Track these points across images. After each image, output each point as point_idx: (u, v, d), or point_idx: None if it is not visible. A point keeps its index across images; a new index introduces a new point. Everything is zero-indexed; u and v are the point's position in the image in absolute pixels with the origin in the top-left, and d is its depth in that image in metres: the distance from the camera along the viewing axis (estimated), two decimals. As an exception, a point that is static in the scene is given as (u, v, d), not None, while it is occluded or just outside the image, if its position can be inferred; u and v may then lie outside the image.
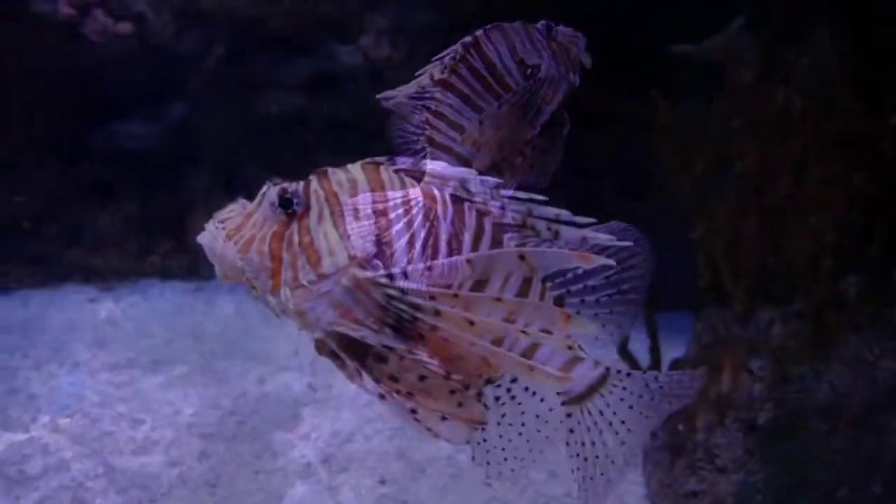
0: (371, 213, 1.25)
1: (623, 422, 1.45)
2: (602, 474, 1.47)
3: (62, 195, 5.07)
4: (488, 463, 1.47)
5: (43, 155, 4.97)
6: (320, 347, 1.30)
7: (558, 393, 1.44)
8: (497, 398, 1.45)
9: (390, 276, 1.21)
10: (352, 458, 3.39)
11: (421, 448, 3.38)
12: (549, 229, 1.23)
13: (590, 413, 1.44)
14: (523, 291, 1.29)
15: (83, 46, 4.82)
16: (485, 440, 1.45)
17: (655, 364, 2.98)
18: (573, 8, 2.12)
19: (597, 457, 1.46)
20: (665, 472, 2.82)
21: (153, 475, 3.25)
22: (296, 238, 1.24)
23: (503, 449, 1.46)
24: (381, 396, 1.24)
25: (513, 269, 1.21)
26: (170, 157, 5.08)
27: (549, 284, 1.37)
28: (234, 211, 1.27)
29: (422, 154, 1.69)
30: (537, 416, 1.46)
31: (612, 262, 1.20)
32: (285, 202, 1.24)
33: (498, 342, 1.22)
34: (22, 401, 3.78)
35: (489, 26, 1.75)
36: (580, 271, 1.37)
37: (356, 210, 1.25)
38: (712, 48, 3.14)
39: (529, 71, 1.75)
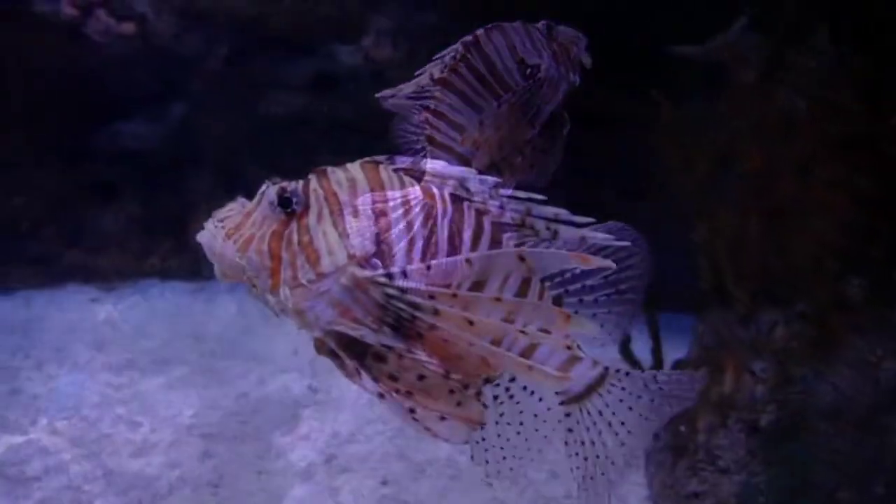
0: (370, 212, 1.25)
1: (623, 423, 1.45)
2: (602, 474, 1.47)
3: (64, 195, 5.08)
4: (487, 462, 1.47)
5: (44, 155, 4.98)
6: (319, 346, 1.30)
7: (557, 392, 1.44)
8: (496, 397, 1.45)
9: (389, 276, 1.21)
10: (353, 458, 3.39)
11: (422, 449, 3.37)
12: (547, 228, 1.23)
13: (588, 413, 1.44)
14: (522, 291, 1.29)
15: (85, 47, 4.83)
16: (483, 439, 1.45)
17: (658, 365, 2.98)
18: (573, 8, 2.12)
19: (597, 456, 1.46)
20: (667, 473, 2.81)
21: (155, 476, 3.25)
22: (295, 237, 1.24)
23: (502, 448, 1.46)
24: (381, 395, 1.24)
25: (512, 269, 1.21)
26: (171, 158, 5.08)
27: (547, 284, 1.37)
28: (234, 210, 1.27)
29: (422, 153, 1.69)
30: (536, 415, 1.46)
31: (611, 263, 1.19)
32: (284, 201, 1.24)
33: (497, 342, 1.22)
34: (24, 401, 3.78)
35: (490, 26, 1.74)
36: (578, 271, 1.37)
37: (355, 209, 1.24)
38: (715, 48, 3.13)
39: (529, 71, 1.75)
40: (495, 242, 1.28)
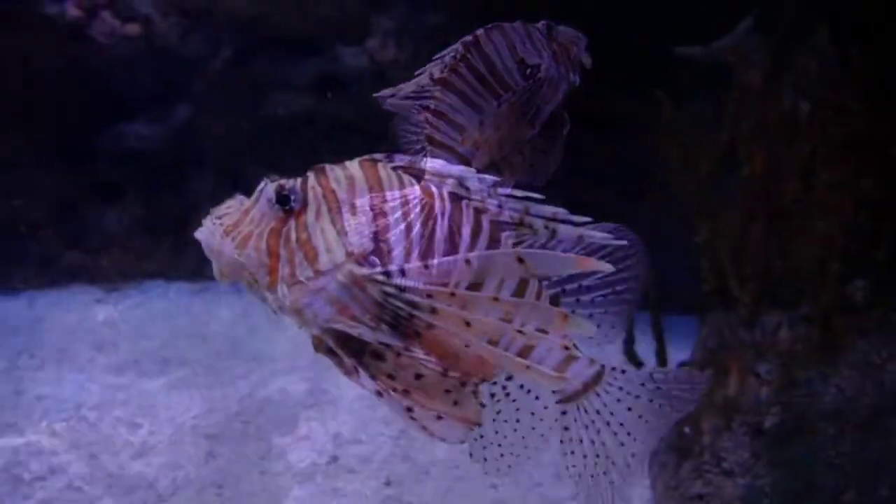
0: (369, 210, 1.24)
1: (622, 423, 1.45)
2: (604, 473, 1.47)
3: (67, 196, 5.09)
4: (485, 459, 1.47)
5: (47, 155, 4.99)
6: (317, 345, 1.30)
7: (553, 391, 1.44)
8: (493, 395, 1.45)
9: (387, 274, 1.21)
10: (356, 459, 3.39)
11: (426, 450, 3.37)
12: (546, 227, 1.23)
13: (586, 411, 1.45)
14: (520, 290, 1.29)
15: (90, 48, 4.84)
16: (481, 437, 1.46)
17: (662, 367, 2.97)
18: (574, 8, 2.12)
19: (597, 455, 1.46)
20: (671, 475, 2.81)
21: (159, 477, 3.25)
22: (293, 235, 1.23)
23: (499, 445, 1.47)
24: (378, 394, 1.24)
25: (511, 271, 1.21)
26: (175, 159, 5.09)
27: (545, 283, 1.37)
28: (232, 207, 1.27)
29: (422, 152, 1.69)
30: (533, 413, 1.47)
31: (609, 266, 1.19)
32: (282, 199, 1.24)
33: (494, 341, 1.22)
34: (28, 402, 3.79)
35: (490, 26, 1.74)
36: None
37: (353, 207, 1.24)
38: (720, 49, 3.13)
39: (529, 71, 1.75)
40: (494, 241, 1.28)
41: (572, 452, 1.47)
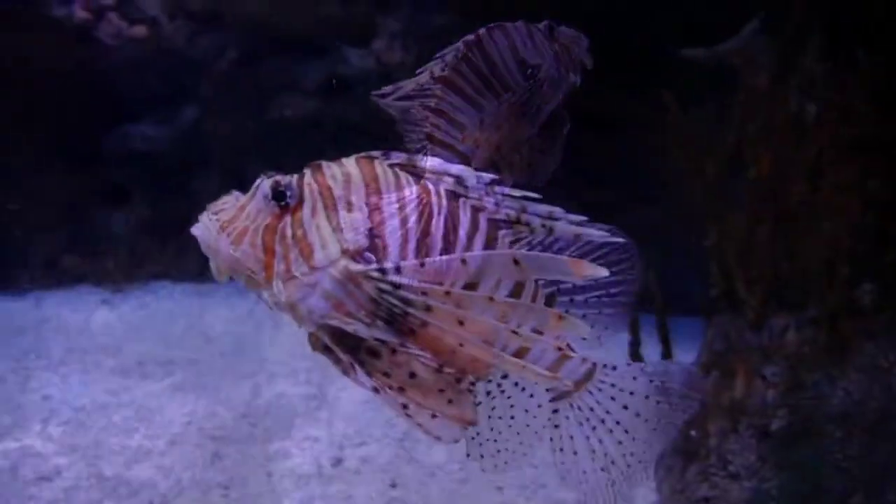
0: (365, 206, 1.25)
1: (618, 421, 1.46)
2: (601, 470, 1.47)
3: (74, 197, 5.10)
4: (482, 456, 1.48)
5: (55, 157, 5.01)
6: (314, 343, 1.30)
7: (547, 389, 1.45)
8: (488, 393, 1.46)
9: (382, 270, 1.21)
10: (362, 461, 3.39)
11: (431, 452, 3.37)
12: (543, 226, 1.23)
13: (579, 408, 1.45)
14: (517, 289, 1.29)
15: (97, 50, 4.85)
16: (478, 434, 1.47)
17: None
18: (575, 8, 2.12)
19: (592, 452, 1.46)
20: (677, 478, 2.80)
21: (165, 478, 3.26)
22: (289, 231, 1.24)
23: (495, 441, 1.47)
24: (375, 390, 1.24)
25: (508, 273, 1.21)
26: (181, 160, 5.11)
27: (541, 282, 1.37)
28: (228, 203, 1.28)
29: (422, 150, 1.68)
30: (527, 410, 1.48)
31: (605, 271, 1.19)
32: (278, 194, 1.24)
33: (490, 341, 1.22)
34: (35, 402, 3.80)
35: (492, 25, 1.75)
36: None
37: (350, 203, 1.25)
38: (726, 52, 3.12)
39: (530, 71, 1.75)
40: (491, 240, 1.29)
41: (561, 450, 1.48)
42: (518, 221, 1.25)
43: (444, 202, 1.27)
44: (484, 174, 1.28)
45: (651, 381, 1.45)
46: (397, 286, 1.20)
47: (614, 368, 1.44)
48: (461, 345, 1.20)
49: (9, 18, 4.72)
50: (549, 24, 1.81)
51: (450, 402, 1.23)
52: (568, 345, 1.39)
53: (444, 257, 1.22)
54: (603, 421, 1.45)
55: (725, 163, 2.98)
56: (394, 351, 1.23)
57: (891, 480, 2.50)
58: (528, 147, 1.78)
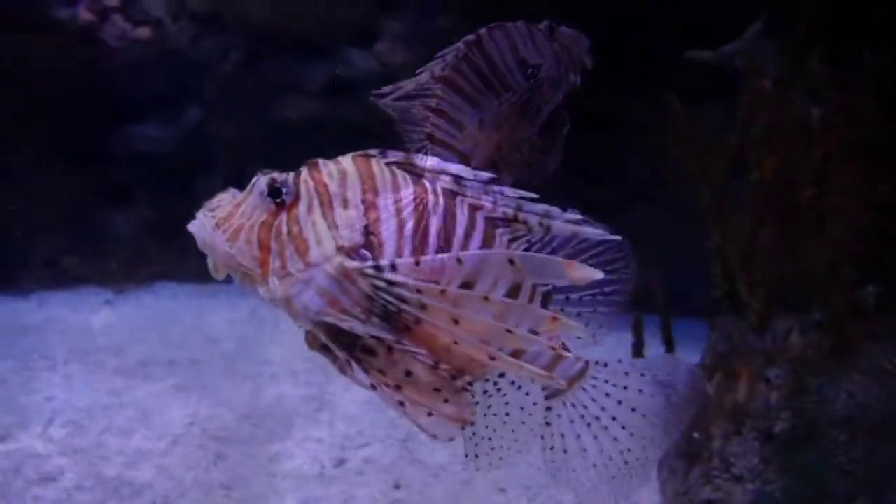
0: (360, 204, 1.25)
1: (614, 417, 1.46)
2: (594, 466, 1.47)
3: (78, 198, 5.11)
4: (477, 456, 1.49)
5: (58, 158, 5.01)
6: (311, 341, 1.31)
7: (542, 388, 1.46)
8: (485, 391, 1.47)
9: (378, 268, 1.22)
10: (366, 462, 3.39)
11: (434, 453, 3.37)
12: (540, 224, 1.23)
13: (573, 406, 1.46)
14: (513, 290, 1.29)
15: (101, 51, 4.86)
16: (474, 433, 1.47)
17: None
18: (575, 9, 2.13)
19: (584, 450, 1.47)
20: (680, 481, 2.80)
21: (168, 478, 3.26)
22: (284, 227, 1.24)
23: (490, 439, 1.48)
24: (372, 387, 1.24)
25: (504, 273, 1.21)
26: (185, 162, 5.11)
27: None
28: (224, 200, 1.29)
29: (422, 150, 1.69)
30: (522, 408, 1.48)
31: (600, 273, 1.20)
32: (274, 191, 1.25)
33: (486, 340, 1.22)
34: (38, 403, 3.80)
35: (492, 25, 1.75)
36: None
37: (345, 200, 1.25)
38: (731, 54, 3.12)
39: (530, 71, 1.75)
40: (488, 238, 1.29)
41: (552, 448, 1.48)
42: (515, 220, 1.26)
43: (442, 200, 1.27)
44: (482, 173, 1.28)
45: (642, 374, 1.46)
46: (392, 283, 1.20)
47: (605, 365, 1.46)
48: (456, 343, 1.20)
49: (11, 19, 4.74)
50: (549, 24, 1.82)
51: (446, 400, 1.23)
52: (563, 344, 1.40)
53: (441, 256, 1.22)
54: (598, 418, 1.46)
55: (728, 165, 2.97)
56: (390, 349, 1.23)
57: (894, 483, 2.49)
58: (528, 147, 1.78)
